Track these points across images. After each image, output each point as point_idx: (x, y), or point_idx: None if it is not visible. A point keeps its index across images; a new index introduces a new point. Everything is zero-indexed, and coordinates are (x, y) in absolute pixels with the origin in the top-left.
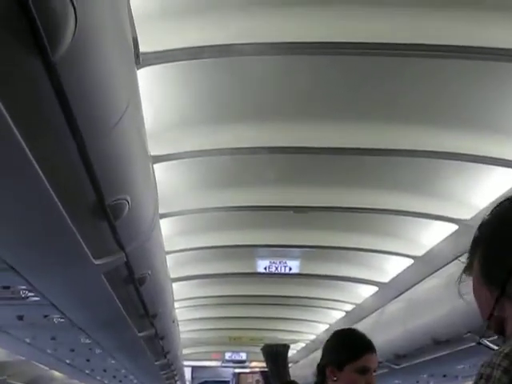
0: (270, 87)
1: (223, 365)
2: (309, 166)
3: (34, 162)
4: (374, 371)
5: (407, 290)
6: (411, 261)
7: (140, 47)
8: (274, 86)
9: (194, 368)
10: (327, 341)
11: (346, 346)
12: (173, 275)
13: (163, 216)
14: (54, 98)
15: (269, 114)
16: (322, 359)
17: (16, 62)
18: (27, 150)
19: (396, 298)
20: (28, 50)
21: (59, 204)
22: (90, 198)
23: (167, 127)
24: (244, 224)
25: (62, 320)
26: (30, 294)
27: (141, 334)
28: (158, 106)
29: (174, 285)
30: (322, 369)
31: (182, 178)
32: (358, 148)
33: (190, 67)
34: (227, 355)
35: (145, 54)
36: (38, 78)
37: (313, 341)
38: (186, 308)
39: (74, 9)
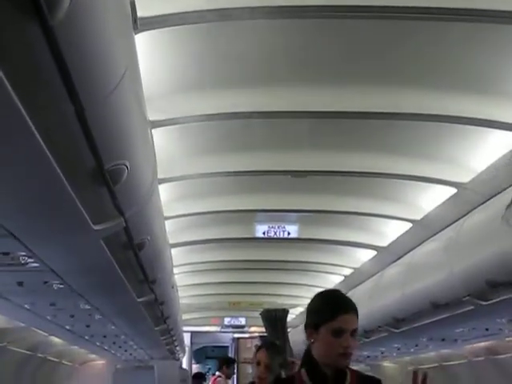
0: (268, 52)
1: (222, 330)
2: (307, 130)
3: (33, 127)
4: (353, 334)
5: (406, 253)
6: (410, 224)
7: (137, 12)
8: (272, 51)
9: (193, 333)
10: (309, 302)
11: (323, 307)
12: (172, 241)
13: (162, 181)
14: (52, 63)
15: (267, 79)
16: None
17: (14, 26)
18: (26, 116)
19: (394, 262)
20: (26, 14)
21: (58, 169)
22: (88, 163)
23: (165, 92)
24: (242, 189)
25: (62, 286)
26: (29, 260)
27: (140, 300)
28: (155, 71)
29: (173, 250)
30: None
31: (180, 143)
32: (356, 112)
33: (187, 32)
34: (226, 320)
35: (142, 18)
36: (36, 42)
37: None
38: (185, 273)
39: None
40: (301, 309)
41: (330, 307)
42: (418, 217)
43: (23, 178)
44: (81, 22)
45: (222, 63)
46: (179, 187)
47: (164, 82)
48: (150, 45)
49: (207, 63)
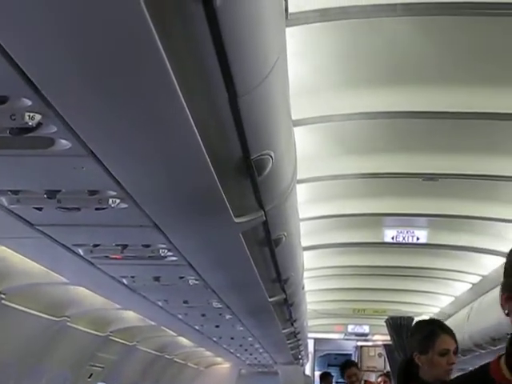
0: (407, 50)
1: (346, 337)
2: (439, 131)
3: (189, 114)
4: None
5: None
6: None
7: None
8: (411, 49)
9: (316, 340)
10: None
11: None
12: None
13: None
14: (211, 47)
15: (404, 78)
16: None
17: (180, 4)
18: (183, 103)
19: None
20: None
21: (208, 159)
22: (235, 152)
23: (304, 90)
24: (372, 192)
25: (197, 282)
26: (168, 253)
27: (271, 299)
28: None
29: None
30: None
31: (311, 144)
32: (489, 112)
33: (330, 29)
34: (350, 328)
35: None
36: (199, 24)
37: (437, 314)
38: (310, 278)
39: None
40: (425, 317)
41: None
42: None
43: (175, 167)
44: (241, 4)
45: (362, 62)
46: (308, 189)
47: (303, 79)
48: (294, 40)
49: (347, 62)
